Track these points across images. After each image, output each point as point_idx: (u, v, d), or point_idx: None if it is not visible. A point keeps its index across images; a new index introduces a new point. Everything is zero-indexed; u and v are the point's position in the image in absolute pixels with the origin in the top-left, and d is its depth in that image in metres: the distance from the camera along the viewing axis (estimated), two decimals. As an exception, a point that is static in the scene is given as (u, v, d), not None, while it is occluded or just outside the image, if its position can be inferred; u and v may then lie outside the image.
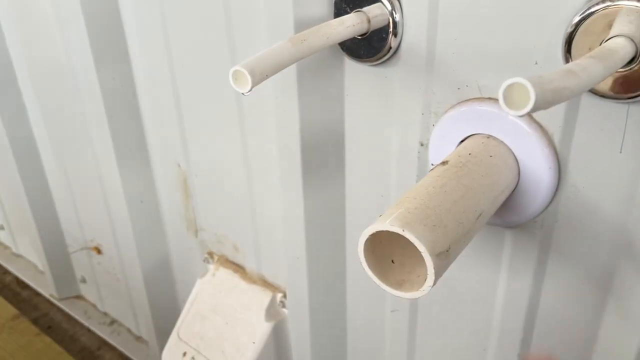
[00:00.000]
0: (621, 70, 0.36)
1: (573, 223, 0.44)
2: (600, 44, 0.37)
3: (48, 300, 1.23)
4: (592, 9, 0.37)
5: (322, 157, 0.57)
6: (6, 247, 1.39)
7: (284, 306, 0.72)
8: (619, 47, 0.34)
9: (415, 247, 0.35)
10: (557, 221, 0.45)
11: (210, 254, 0.80)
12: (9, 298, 1.25)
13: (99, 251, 1.04)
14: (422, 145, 0.50)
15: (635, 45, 0.34)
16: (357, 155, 0.56)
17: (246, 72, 0.38)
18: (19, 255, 1.36)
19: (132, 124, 0.79)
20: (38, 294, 1.25)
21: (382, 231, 0.36)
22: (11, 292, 1.28)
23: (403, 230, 0.35)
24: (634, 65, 0.36)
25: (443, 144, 0.48)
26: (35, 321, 1.18)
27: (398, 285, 0.38)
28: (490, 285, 0.51)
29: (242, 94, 0.38)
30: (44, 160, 1.05)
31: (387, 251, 0.39)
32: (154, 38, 0.69)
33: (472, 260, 0.51)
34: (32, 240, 1.16)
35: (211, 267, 0.79)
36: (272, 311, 0.72)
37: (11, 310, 1.21)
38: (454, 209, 0.38)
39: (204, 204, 0.78)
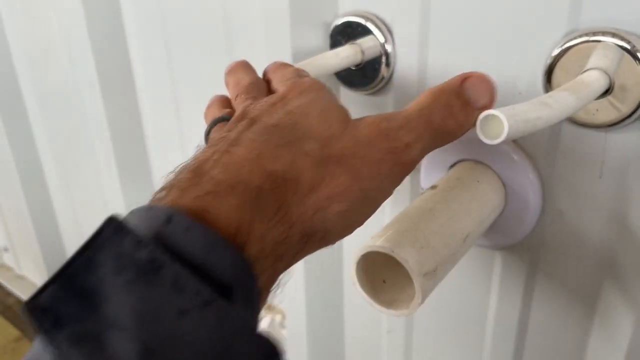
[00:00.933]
0: (595, 100, 0.39)
1: (558, 245, 0.46)
2: (577, 76, 0.39)
3: (50, 322, 1.24)
4: (570, 43, 0.39)
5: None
6: (9, 269, 1.41)
7: (283, 327, 0.73)
8: (593, 80, 0.36)
9: (404, 267, 0.37)
10: (543, 244, 0.47)
11: (211, 275, 0.82)
12: (12, 319, 1.27)
13: (101, 272, 1.05)
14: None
15: (609, 78, 0.37)
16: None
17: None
18: (21, 277, 1.38)
19: (136, 149, 0.81)
20: (40, 315, 1.27)
21: (374, 252, 0.38)
22: (13, 314, 1.30)
23: (392, 251, 0.37)
24: (607, 96, 0.38)
25: (434, 170, 0.50)
26: (37, 342, 1.19)
27: (389, 304, 0.40)
28: (481, 306, 0.53)
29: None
30: (49, 182, 1.07)
31: (378, 272, 0.41)
32: (158, 69, 0.72)
33: (464, 281, 0.53)
34: (35, 261, 1.17)
35: (211, 288, 0.81)
36: (271, 332, 0.73)
37: (13, 332, 1.22)
38: (441, 231, 0.40)
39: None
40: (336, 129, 0.30)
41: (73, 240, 1.10)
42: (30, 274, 1.34)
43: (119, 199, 0.84)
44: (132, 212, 0.23)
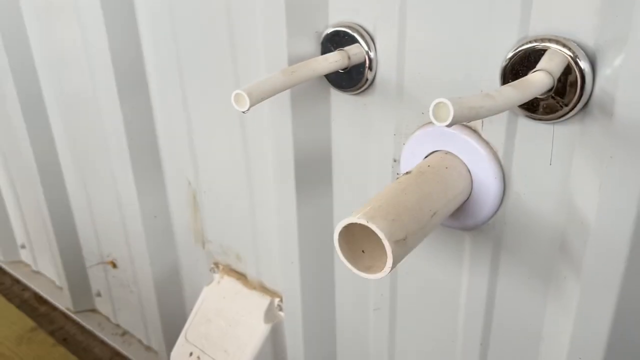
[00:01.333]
0: (543, 96, 0.46)
1: (518, 225, 0.53)
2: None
3: (64, 314, 1.31)
4: (521, 48, 0.46)
5: (313, 172, 0.66)
6: (26, 265, 1.48)
7: (280, 309, 0.80)
8: (537, 80, 0.43)
9: (379, 237, 0.44)
10: (505, 224, 0.54)
11: (216, 264, 0.89)
12: (28, 313, 1.34)
13: (114, 265, 1.12)
14: (395, 161, 0.60)
15: (553, 78, 0.44)
16: (343, 171, 0.65)
17: (245, 95, 0.48)
18: (37, 272, 1.45)
19: (149, 147, 0.89)
20: (55, 309, 1.34)
21: (354, 225, 0.45)
22: (30, 307, 1.37)
23: (367, 222, 0.44)
24: (552, 94, 0.45)
25: (412, 160, 0.57)
26: (51, 333, 1.26)
27: (366, 269, 0.46)
28: (454, 282, 0.59)
29: (242, 112, 0.48)
30: (67, 181, 1.15)
31: (358, 243, 0.48)
32: (170, 73, 0.79)
33: (439, 260, 0.60)
34: (53, 257, 1.25)
35: (217, 275, 0.88)
36: (270, 314, 0.80)
37: (29, 322, 1.29)
38: (411, 207, 0.47)
39: (211, 218, 0.87)
40: None
41: (88, 235, 1.17)
42: (46, 271, 1.41)
43: (134, 198, 0.92)
44: None
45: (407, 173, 0.52)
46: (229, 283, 0.85)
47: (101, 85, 0.86)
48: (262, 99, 0.49)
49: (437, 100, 0.36)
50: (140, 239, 0.96)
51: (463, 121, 0.37)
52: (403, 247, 0.45)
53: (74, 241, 1.22)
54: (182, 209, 0.91)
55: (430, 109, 0.36)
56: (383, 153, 0.60)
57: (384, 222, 0.44)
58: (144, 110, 0.86)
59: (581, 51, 0.44)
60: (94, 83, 0.90)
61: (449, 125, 0.36)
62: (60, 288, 1.33)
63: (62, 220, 1.19)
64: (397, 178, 0.51)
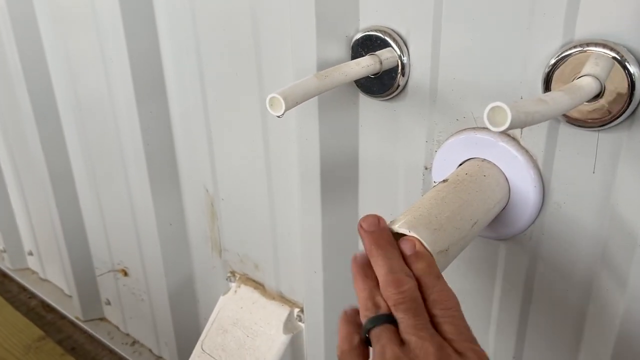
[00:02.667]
0: (589, 102, 0.44)
1: (557, 235, 0.51)
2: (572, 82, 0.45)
3: (72, 323, 1.29)
4: (566, 53, 0.45)
5: (339, 180, 0.64)
6: (34, 272, 1.47)
7: (300, 320, 0.78)
8: (585, 84, 0.41)
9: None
10: (543, 234, 0.52)
11: (233, 273, 0.87)
12: (35, 321, 1.32)
13: (125, 273, 1.11)
14: (426, 169, 0.58)
15: (601, 83, 0.42)
16: (370, 179, 0.64)
17: (281, 99, 0.46)
18: (45, 280, 1.43)
19: (166, 153, 0.87)
20: (62, 317, 1.32)
21: (394, 234, 0.43)
22: (36, 316, 1.35)
23: (409, 231, 0.42)
24: (599, 99, 0.44)
25: (444, 167, 0.55)
26: (59, 342, 1.24)
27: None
28: (487, 294, 0.58)
29: (277, 116, 0.46)
30: (79, 187, 1.13)
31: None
32: (189, 75, 0.78)
33: (470, 271, 0.58)
34: (62, 264, 1.23)
35: (233, 285, 0.86)
36: (289, 325, 0.78)
37: (37, 331, 1.27)
38: (452, 216, 0.45)
39: (229, 226, 0.85)
40: None
41: (99, 242, 1.15)
42: (55, 279, 1.39)
43: (149, 205, 0.90)
44: None
45: (444, 181, 0.50)
46: (246, 292, 0.84)
47: (118, 90, 0.85)
48: (297, 103, 0.48)
49: (493, 105, 0.35)
50: (155, 247, 0.94)
51: (519, 127, 0.35)
52: (445, 257, 0.43)
53: (84, 248, 1.20)
54: (198, 216, 0.90)
55: (485, 113, 0.35)
56: (413, 160, 0.59)
57: (427, 232, 0.42)
58: (161, 115, 0.85)
59: (630, 55, 0.42)
60: (110, 89, 0.89)
61: (506, 130, 0.35)
62: (69, 296, 1.31)
63: (73, 226, 1.17)
64: (434, 186, 0.50)
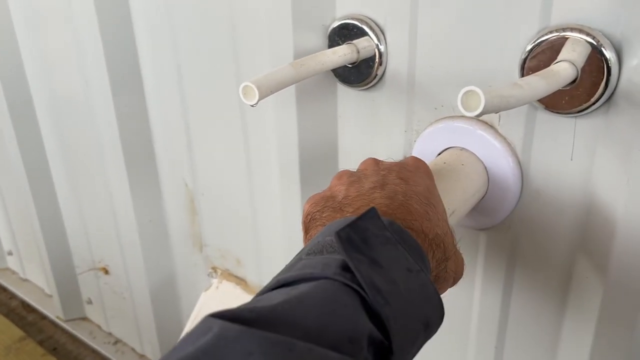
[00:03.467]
0: (566, 89, 0.44)
1: (537, 223, 0.51)
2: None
3: (53, 323, 1.27)
4: (542, 39, 0.44)
5: (319, 171, 0.64)
6: (14, 273, 1.44)
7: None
8: (562, 70, 0.41)
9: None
10: (523, 222, 0.52)
11: (214, 269, 0.86)
12: (16, 321, 1.30)
13: (106, 271, 1.09)
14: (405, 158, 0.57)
15: (577, 69, 0.42)
16: (350, 168, 0.63)
17: (254, 87, 0.45)
18: (26, 280, 1.41)
19: (144, 148, 0.86)
20: (43, 317, 1.30)
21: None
22: (17, 316, 1.32)
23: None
24: (576, 85, 0.43)
25: (424, 157, 0.54)
26: (40, 343, 1.22)
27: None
28: (467, 284, 0.57)
29: (251, 105, 0.45)
30: (57, 185, 1.11)
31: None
32: (166, 68, 0.77)
33: (452, 261, 0.58)
34: (42, 264, 1.21)
35: (215, 281, 0.85)
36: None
37: (17, 332, 1.25)
38: (430, 205, 0.44)
39: (209, 221, 0.84)
40: None
41: (79, 240, 1.13)
42: (35, 278, 1.37)
43: (128, 201, 0.89)
44: (369, 214, 0.33)
45: (422, 170, 0.49)
46: (228, 288, 0.82)
47: (94, 85, 0.83)
48: (271, 92, 0.47)
49: (466, 89, 0.34)
50: (135, 244, 0.93)
51: (493, 111, 0.35)
52: (423, 246, 0.43)
53: (64, 247, 1.18)
54: (178, 212, 0.88)
55: (459, 97, 0.34)
56: (393, 150, 0.58)
57: (403, 221, 0.42)
58: (138, 110, 0.83)
59: (606, 40, 0.42)
60: (86, 84, 0.87)
61: (479, 115, 0.34)
62: (50, 296, 1.29)
63: (52, 225, 1.15)
64: (412, 175, 0.49)
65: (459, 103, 0.34)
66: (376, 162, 0.43)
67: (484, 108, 0.34)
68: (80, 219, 1.09)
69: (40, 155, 1.08)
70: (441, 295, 0.34)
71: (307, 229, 0.39)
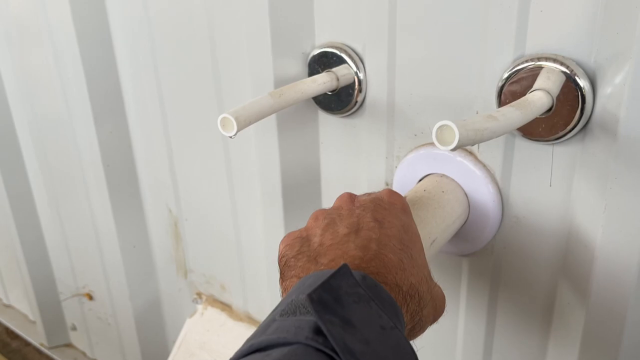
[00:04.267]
0: (542, 116, 0.44)
1: (518, 248, 0.51)
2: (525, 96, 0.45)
3: (37, 350, 1.25)
4: (518, 67, 0.45)
5: (301, 197, 0.63)
6: (-4, 299, 1.42)
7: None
8: (537, 99, 0.41)
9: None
10: (504, 248, 0.52)
11: (199, 294, 0.85)
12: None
13: (90, 297, 1.07)
14: (387, 184, 0.57)
15: (552, 97, 0.42)
16: (332, 195, 0.63)
17: (232, 119, 0.45)
18: (9, 306, 1.39)
19: (127, 173, 0.85)
20: (27, 344, 1.27)
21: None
22: (1, 343, 1.30)
23: (365, 252, 0.41)
24: (551, 113, 0.44)
25: (405, 183, 0.55)
26: (24, 371, 1.20)
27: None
28: (451, 310, 0.57)
29: (230, 137, 0.45)
30: (39, 210, 1.10)
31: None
32: (148, 94, 0.76)
33: (435, 287, 0.57)
34: (25, 289, 1.19)
35: (200, 306, 0.84)
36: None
37: (0, 359, 1.22)
38: (410, 234, 0.44)
39: (194, 247, 0.83)
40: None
41: (62, 266, 1.12)
42: (18, 304, 1.35)
43: (111, 227, 0.88)
44: (341, 271, 0.32)
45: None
46: (213, 314, 0.82)
47: (76, 111, 0.83)
48: (250, 123, 0.47)
49: (440, 123, 0.34)
50: (119, 270, 0.91)
51: (467, 144, 0.35)
52: (403, 277, 0.42)
53: (47, 272, 1.16)
54: (162, 237, 0.87)
55: (433, 132, 0.34)
56: (374, 176, 0.58)
57: (383, 252, 0.41)
58: (121, 135, 0.83)
59: (580, 69, 0.42)
60: (68, 109, 0.86)
61: (454, 149, 0.34)
62: (33, 322, 1.27)
63: (35, 250, 1.13)
64: (393, 203, 0.49)
65: (433, 137, 0.34)
66: (351, 198, 0.43)
67: (458, 142, 0.34)
68: (63, 244, 1.07)
69: (23, 180, 1.07)
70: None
71: (282, 274, 0.38)
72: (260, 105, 0.48)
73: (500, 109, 0.39)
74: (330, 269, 0.33)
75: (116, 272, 0.93)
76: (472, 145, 0.37)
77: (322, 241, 0.38)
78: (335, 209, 0.42)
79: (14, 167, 1.06)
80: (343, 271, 0.32)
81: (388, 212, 0.40)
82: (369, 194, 0.44)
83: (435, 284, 0.41)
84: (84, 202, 0.94)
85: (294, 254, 0.38)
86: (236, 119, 0.45)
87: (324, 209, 0.43)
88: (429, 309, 0.38)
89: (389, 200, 0.42)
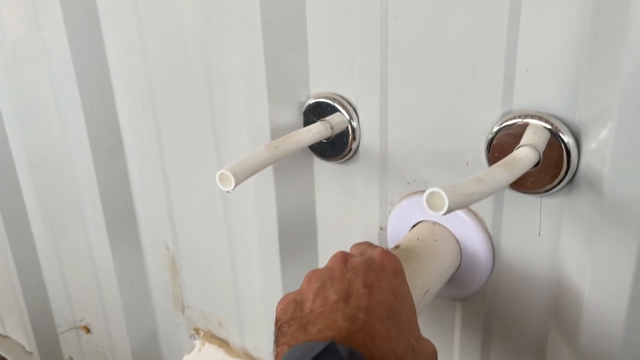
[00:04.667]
0: (530, 170, 0.45)
1: (510, 294, 0.52)
2: (513, 149, 0.46)
3: (34, 382, 1.24)
4: (506, 123, 0.46)
5: (297, 240, 0.65)
6: (-7, 329, 1.42)
7: (265, 379, 0.77)
8: (524, 156, 0.43)
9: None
10: (496, 293, 0.53)
11: (197, 330, 0.86)
12: (-5, 380, 1.27)
13: (88, 330, 1.08)
14: (381, 229, 0.59)
15: (539, 153, 0.44)
16: (328, 238, 0.64)
17: (230, 175, 0.47)
18: (6, 337, 1.38)
19: (125, 210, 0.86)
20: (24, 376, 1.27)
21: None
22: (-3, 375, 1.30)
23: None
24: (539, 168, 0.45)
25: (398, 229, 0.56)
26: (20, 403, 1.19)
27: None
28: (445, 354, 0.58)
29: (227, 192, 0.47)
30: (37, 243, 1.11)
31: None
32: (147, 135, 0.78)
33: (427, 331, 0.58)
34: (22, 320, 1.19)
35: (197, 342, 0.84)
36: (254, 384, 0.77)
37: (-4, 392, 1.22)
38: (403, 286, 0.45)
39: (191, 283, 0.84)
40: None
41: (60, 298, 1.12)
42: (15, 335, 1.35)
43: (109, 262, 0.89)
44: (328, 349, 0.34)
45: (396, 247, 0.51)
46: (210, 350, 0.82)
47: (76, 151, 0.84)
48: (247, 177, 0.48)
49: (430, 190, 0.35)
50: (117, 305, 0.92)
51: (457, 209, 0.36)
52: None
53: (45, 304, 1.16)
54: (160, 273, 0.88)
55: (424, 198, 0.36)
56: (369, 221, 0.59)
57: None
58: (119, 173, 0.84)
59: (564, 126, 0.44)
60: (67, 149, 0.87)
61: (444, 214, 0.35)
62: (30, 353, 1.27)
63: (32, 281, 1.14)
64: (387, 253, 0.50)
65: (424, 203, 0.36)
66: (344, 259, 0.44)
67: (448, 208, 0.35)
68: (61, 277, 1.08)
69: (21, 213, 1.08)
70: None
71: (276, 339, 0.40)
72: (257, 158, 0.50)
73: (488, 170, 0.40)
74: (318, 341, 0.34)
75: (114, 306, 0.94)
76: (462, 208, 0.38)
77: (313, 307, 0.39)
78: (328, 269, 0.43)
79: (12, 200, 1.07)
80: (330, 349, 0.33)
81: (379, 275, 0.42)
82: (363, 252, 0.45)
83: (426, 341, 0.41)
84: (82, 236, 0.95)
85: (287, 319, 0.39)
86: (234, 174, 0.46)
87: (317, 270, 0.44)
88: None
89: (381, 262, 0.43)
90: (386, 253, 0.45)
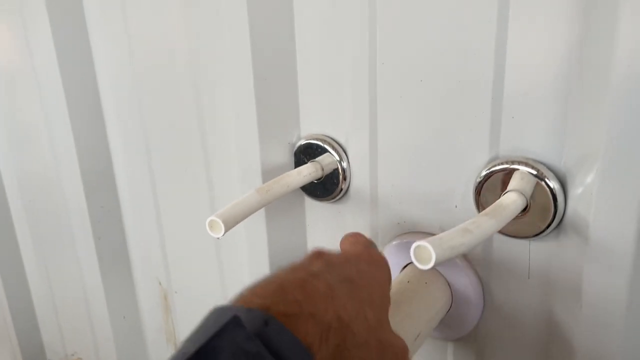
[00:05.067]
0: (518, 216, 0.46)
1: (500, 335, 0.52)
2: (501, 192, 0.46)
3: (24, 416, 1.22)
4: (494, 168, 0.47)
5: (289, 279, 0.65)
6: (-17, 361, 1.40)
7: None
8: (510, 202, 0.43)
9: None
10: (487, 335, 0.53)
11: (189, 366, 0.85)
12: (-16, 414, 1.25)
13: (79, 364, 1.07)
14: (372, 269, 0.59)
15: (526, 198, 0.44)
16: (319, 277, 0.64)
17: (220, 222, 0.47)
18: (-4, 369, 1.37)
19: (117, 245, 0.86)
20: (14, 409, 1.25)
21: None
22: (-14, 408, 1.28)
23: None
24: (526, 213, 0.45)
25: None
26: None
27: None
28: (438, 392, 0.58)
29: (217, 238, 0.47)
30: (29, 275, 1.10)
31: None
32: (138, 171, 0.78)
33: (422, 370, 0.58)
34: (13, 354, 1.18)
35: (189, 379, 0.84)
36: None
37: None
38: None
39: (183, 318, 0.84)
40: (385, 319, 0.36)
41: (51, 332, 1.11)
42: (5, 366, 1.33)
43: (101, 297, 0.88)
44: (230, 309, 0.29)
45: (386, 290, 0.51)
46: (203, 387, 0.81)
47: (67, 185, 0.84)
48: (238, 222, 0.48)
49: (417, 244, 0.36)
50: (109, 340, 0.91)
51: (445, 261, 0.37)
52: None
53: (36, 337, 1.15)
54: (152, 309, 0.88)
55: (412, 251, 0.36)
56: (360, 261, 0.59)
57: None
58: (112, 209, 0.84)
59: (550, 172, 0.45)
60: (60, 182, 0.88)
61: (433, 267, 0.36)
62: (21, 386, 1.25)
63: (23, 315, 1.13)
64: (377, 296, 0.50)
65: (412, 256, 0.36)
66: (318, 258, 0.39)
67: (435, 262, 0.35)
68: (53, 311, 1.07)
69: (13, 246, 1.08)
70: None
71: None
72: (248, 203, 0.50)
73: (476, 218, 0.41)
74: (226, 311, 0.29)
75: (106, 341, 0.93)
76: (450, 259, 0.39)
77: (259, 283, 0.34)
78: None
79: (3, 232, 1.06)
80: (231, 325, 0.27)
81: (346, 259, 0.38)
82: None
83: (397, 337, 0.38)
84: (75, 271, 0.95)
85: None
86: (224, 221, 0.47)
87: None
88: (370, 354, 0.33)
89: (357, 254, 0.41)
90: (372, 251, 0.42)
